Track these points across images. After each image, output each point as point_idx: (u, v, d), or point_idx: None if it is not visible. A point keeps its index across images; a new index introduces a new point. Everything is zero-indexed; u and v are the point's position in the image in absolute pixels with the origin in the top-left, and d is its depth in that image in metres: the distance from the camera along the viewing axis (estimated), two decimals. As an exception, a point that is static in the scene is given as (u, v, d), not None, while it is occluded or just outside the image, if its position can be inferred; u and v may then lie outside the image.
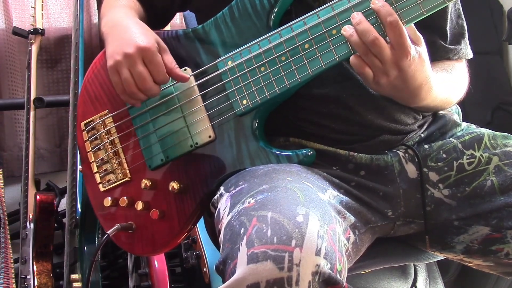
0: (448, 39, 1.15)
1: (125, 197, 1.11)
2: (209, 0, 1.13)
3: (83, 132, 1.16)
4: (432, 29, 1.11)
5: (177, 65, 1.03)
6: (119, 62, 1.01)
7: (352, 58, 0.94)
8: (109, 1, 1.16)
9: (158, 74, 1.01)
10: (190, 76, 1.06)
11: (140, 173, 1.11)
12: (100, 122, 1.13)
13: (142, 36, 1.02)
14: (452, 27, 1.16)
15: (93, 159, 1.14)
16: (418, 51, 0.93)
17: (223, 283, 0.79)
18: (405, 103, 1.02)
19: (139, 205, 1.09)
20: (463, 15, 1.17)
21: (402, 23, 0.91)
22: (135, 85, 1.01)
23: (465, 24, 1.18)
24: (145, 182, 1.09)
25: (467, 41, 1.19)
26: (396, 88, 0.95)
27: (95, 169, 1.14)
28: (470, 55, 1.19)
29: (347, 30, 0.93)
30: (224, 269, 0.81)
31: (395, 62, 0.91)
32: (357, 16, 0.92)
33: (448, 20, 1.14)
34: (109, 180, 1.13)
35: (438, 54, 1.14)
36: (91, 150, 1.15)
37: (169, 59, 1.03)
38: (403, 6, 0.92)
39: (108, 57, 1.03)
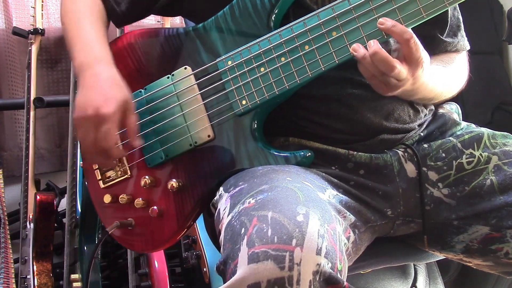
0: (446, 32, 1.15)
1: (124, 194, 1.11)
2: (200, 4, 1.11)
3: None
4: (433, 22, 1.10)
5: (136, 130, 1.03)
6: (79, 123, 1.00)
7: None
8: (73, 16, 1.12)
9: (104, 141, 0.98)
10: (190, 75, 1.06)
11: (140, 171, 1.11)
12: None
13: (108, 98, 0.98)
14: (449, 19, 1.16)
15: None
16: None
17: (224, 283, 0.80)
18: (402, 98, 1.03)
19: (139, 203, 1.09)
20: (458, 8, 1.18)
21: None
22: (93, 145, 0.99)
23: (460, 16, 1.18)
24: (144, 180, 1.09)
25: (463, 33, 1.19)
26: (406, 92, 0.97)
27: (96, 166, 1.15)
28: (467, 46, 1.20)
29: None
30: (225, 269, 0.81)
31: (412, 74, 0.92)
32: (373, 45, 0.91)
33: (449, 12, 1.14)
34: (109, 177, 1.14)
35: (437, 49, 1.15)
36: None
37: (131, 121, 1.02)
38: (404, 8, 0.92)
39: (76, 107, 1.01)
